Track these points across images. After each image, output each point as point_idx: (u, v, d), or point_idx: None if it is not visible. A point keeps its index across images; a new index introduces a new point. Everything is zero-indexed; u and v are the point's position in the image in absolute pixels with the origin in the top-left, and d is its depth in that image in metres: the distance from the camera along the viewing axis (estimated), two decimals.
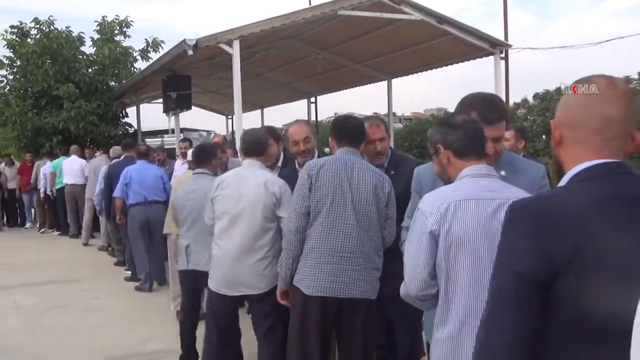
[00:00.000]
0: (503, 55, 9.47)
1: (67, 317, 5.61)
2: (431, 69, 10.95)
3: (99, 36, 14.16)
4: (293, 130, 3.64)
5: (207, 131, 18.80)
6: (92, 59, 14.16)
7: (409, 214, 2.44)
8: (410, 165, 2.96)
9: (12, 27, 13.79)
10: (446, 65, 10.66)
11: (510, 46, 9.86)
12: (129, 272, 7.14)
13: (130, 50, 14.42)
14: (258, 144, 3.47)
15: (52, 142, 12.96)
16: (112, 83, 14.12)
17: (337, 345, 3.05)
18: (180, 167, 6.88)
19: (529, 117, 17.75)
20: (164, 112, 10.72)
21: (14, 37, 13.72)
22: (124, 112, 14.62)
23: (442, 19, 8.69)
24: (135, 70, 14.23)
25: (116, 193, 6.76)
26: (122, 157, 7.75)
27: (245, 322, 3.62)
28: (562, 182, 1.34)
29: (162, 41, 14.35)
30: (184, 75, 9.75)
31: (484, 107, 2.13)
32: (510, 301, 1.25)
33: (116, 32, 14.24)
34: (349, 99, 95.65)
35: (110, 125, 13.49)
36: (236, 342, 3.56)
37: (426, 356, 2.69)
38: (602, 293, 1.19)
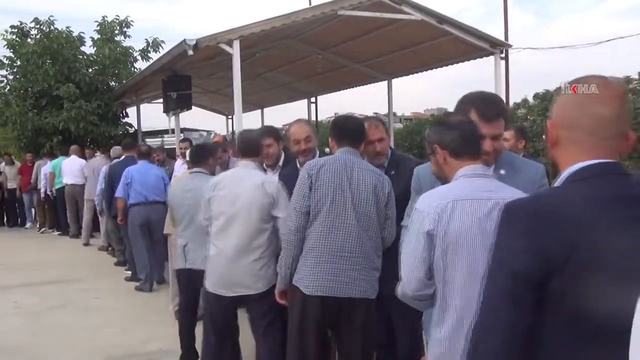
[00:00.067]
0: (503, 55, 9.45)
1: (67, 317, 5.62)
2: (431, 69, 10.94)
3: (99, 36, 14.16)
4: (294, 129, 3.65)
5: (208, 131, 18.83)
6: (92, 59, 14.16)
7: (409, 213, 2.44)
8: (410, 165, 2.96)
9: (12, 27, 13.80)
10: (446, 65, 10.65)
11: (510, 46, 9.86)
12: (129, 272, 7.15)
13: (130, 50, 14.42)
14: (254, 145, 3.49)
15: (52, 142, 12.96)
16: (113, 83, 14.12)
17: (337, 345, 3.05)
18: (180, 167, 6.88)
19: (529, 117, 17.73)
20: (164, 112, 10.71)
21: (14, 37, 13.72)
22: (124, 112, 14.63)
23: (442, 19, 8.69)
24: (135, 70, 14.24)
25: (118, 193, 6.77)
26: (123, 157, 7.76)
27: (245, 322, 3.62)
28: (558, 182, 1.35)
29: (162, 41, 14.37)
30: (184, 75, 9.75)
31: (483, 105, 2.13)
32: (505, 300, 1.26)
33: (116, 32, 14.24)
34: (349, 99, 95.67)
35: (110, 125, 13.50)
36: (234, 342, 3.56)
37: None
38: (601, 293, 1.19)
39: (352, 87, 13.54)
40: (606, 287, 1.19)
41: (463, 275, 1.78)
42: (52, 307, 5.97)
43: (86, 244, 9.85)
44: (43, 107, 13.37)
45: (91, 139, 13.32)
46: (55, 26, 13.73)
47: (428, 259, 1.83)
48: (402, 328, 3.23)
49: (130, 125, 14.76)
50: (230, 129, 17.00)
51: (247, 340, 3.64)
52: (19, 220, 12.94)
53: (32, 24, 13.73)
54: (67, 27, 13.99)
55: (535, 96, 18.40)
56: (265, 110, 16.69)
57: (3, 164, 12.96)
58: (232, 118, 16.65)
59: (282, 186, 3.36)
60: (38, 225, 12.19)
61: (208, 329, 3.49)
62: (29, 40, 13.77)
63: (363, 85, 13.08)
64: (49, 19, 13.71)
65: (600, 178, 1.28)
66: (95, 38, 14.17)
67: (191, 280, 4.03)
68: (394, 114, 15.69)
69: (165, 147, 10.96)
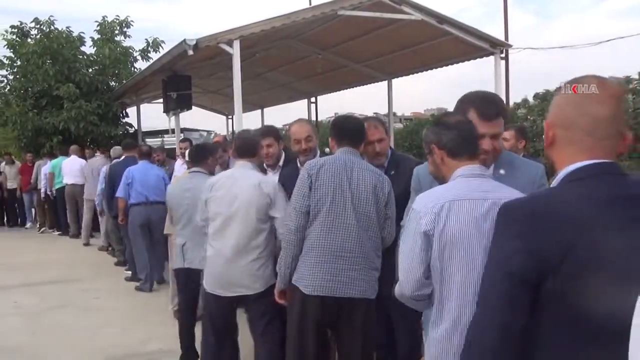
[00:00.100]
0: (503, 55, 9.45)
1: (67, 317, 5.62)
2: (431, 69, 10.94)
3: (99, 36, 14.17)
4: (295, 129, 3.65)
5: (208, 131, 18.84)
6: (92, 59, 14.17)
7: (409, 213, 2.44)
8: (410, 165, 2.96)
9: (12, 27, 13.82)
10: (446, 65, 10.65)
11: (510, 46, 9.86)
12: (129, 272, 7.15)
13: (130, 50, 14.43)
14: (251, 145, 3.49)
15: (52, 142, 12.97)
16: (113, 83, 14.13)
17: (337, 345, 3.05)
18: (180, 167, 6.88)
19: (529, 117, 17.69)
20: (164, 112, 10.71)
21: (14, 37, 13.73)
22: (124, 112, 14.64)
23: (442, 19, 8.69)
24: (135, 70, 14.24)
25: (119, 193, 6.77)
26: (123, 157, 7.76)
27: (243, 322, 3.62)
28: (554, 182, 1.35)
29: (163, 41, 14.38)
30: (184, 75, 9.75)
31: (482, 104, 2.13)
32: (501, 300, 1.26)
33: (116, 32, 14.25)
34: (349, 99, 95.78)
35: (110, 125, 13.50)
36: (234, 341, 3.56)
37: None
38: (600, 292, 1.19)
39: (352, 87, 13.55)
40: (605, 287, 1.19)
41: (460, 275, 1.78)
42: (52, 307, 5.97)
43: (86, 244, 9.85)
44: (43, 107, 13.37)
45: (91, 139, 13.33)
46: (55, 26, 13.77)
47: (425, 259, 1.83)
48: (402, 328, 3.23)
49: (130, 125, 14.76)
50: (230, 129, 17.00)
51: (245, 340, 3.64)
52: (19, 220, 12.94)
53: (32, 24, 13.76)
54: (67, 27, 14.04)
55: (535, 96, 18.38)
56: (265, 110, 16.69)
57: (3, 163, 12.95)
58: (232, 118, 16.66)
59: (280, 186, 3.36)
60: (38, 225, 12.19)
61: (207, 329, 3.50)
62: (29, 40, 13.78)
63: (363, 85, 13.08)
64: (49, 19, 13.73)
65: (597, 178, 1.28)
66: (95, 38, 14.18)
67: (190, 280, 4.04)
68: (394, 114, 15.69)
69: (165, 147, 10.96)
